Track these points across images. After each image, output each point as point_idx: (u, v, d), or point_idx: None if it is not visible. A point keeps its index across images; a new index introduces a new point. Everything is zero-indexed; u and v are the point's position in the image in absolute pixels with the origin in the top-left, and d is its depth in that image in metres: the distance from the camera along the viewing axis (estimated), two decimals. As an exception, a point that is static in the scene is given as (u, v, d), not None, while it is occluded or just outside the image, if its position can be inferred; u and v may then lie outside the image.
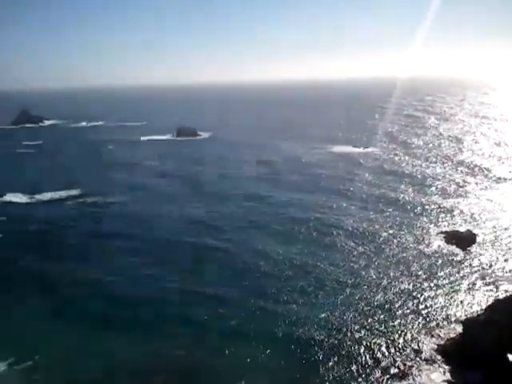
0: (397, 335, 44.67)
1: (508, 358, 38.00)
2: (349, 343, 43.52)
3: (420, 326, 46.36)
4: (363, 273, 58.38)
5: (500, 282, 54.97)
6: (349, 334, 44.97)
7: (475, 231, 70.07)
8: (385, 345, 43.15)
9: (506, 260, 61.11)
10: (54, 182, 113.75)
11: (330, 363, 40.74)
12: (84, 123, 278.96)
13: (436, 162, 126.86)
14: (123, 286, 56.64)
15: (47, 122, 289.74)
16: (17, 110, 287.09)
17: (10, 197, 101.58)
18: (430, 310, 49.37)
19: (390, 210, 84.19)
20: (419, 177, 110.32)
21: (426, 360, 40.83)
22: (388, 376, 39.00)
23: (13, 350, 43.50)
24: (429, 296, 52.23)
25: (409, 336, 44.51)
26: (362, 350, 42.40)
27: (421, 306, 50.09)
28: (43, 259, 65.95)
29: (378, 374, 39.31)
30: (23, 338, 45.91)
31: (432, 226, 75.20)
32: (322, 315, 48.45)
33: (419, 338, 44.08)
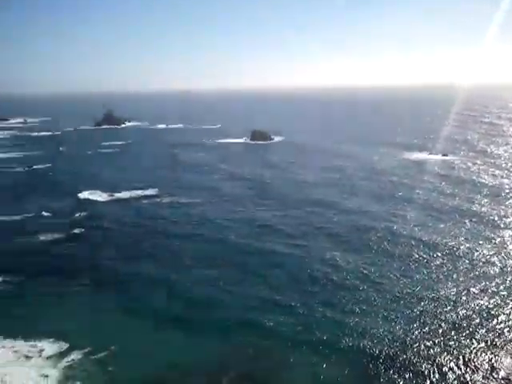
0: (472, 354, 42.56)
1: None
2: (419, 360, 41.93)
3: (499, 344, 43.88)
4: (439, 287, 56.05)
5: None
6: (420, 351, 43.34)
7: (562, 248, 65.62)
8: (458, 363, 41.24)
9: None
10: (132, 182, 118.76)
11: (399, 380, 39.49)
12: (163, 125, 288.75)
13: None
14: (191, 286, 57.64)
15: (128, 124, 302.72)
16: (102, 112, 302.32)
17: (91, 194, 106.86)
18: (510, 328, 46.71)
19: (468, 221, 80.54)
20: (500, 188, 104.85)
21: (502, 379, 38.70)
22: (460, 396, 37.31)
23: (89, 340, 45.63)
24: (510, 313, 49.42)
25: (486, 355, 42.25)
26: (433, 368, 40.73)
27: (501, 325, 47.40)
28: (119, 256, 68.71)
29: (449, 393, 37.71)
30: (99, 329, 48.06)
31: (514, 240, 71.20)
32: (392, 329, 47.02)
33: (497, 357, 41.71)
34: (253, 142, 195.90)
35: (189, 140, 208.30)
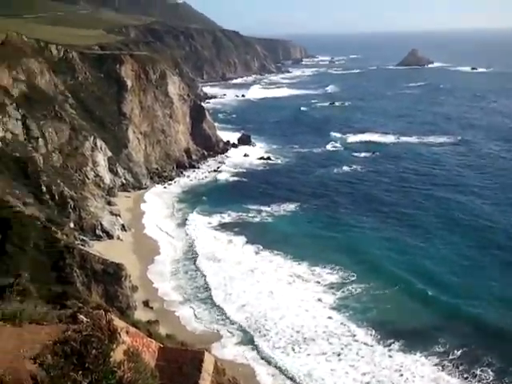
0: None
1: None
2: None
3: None
4: None
5: None
6: None
7: None
8: None
9: None
10: (426, 127, 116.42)
11: None
12: (467, 68, 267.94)
13: None
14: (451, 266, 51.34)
15: (431, 65, 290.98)
16: (405, 51, 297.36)
17: (382, 136, 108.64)
18: None
19: None
20: None
21: None
22: None
23: (371, 275, 48.15)
24: None
25: None
26: None
27: None
28: (392, 199, 70.05)
29: None
30: (382, 265, 50.49)
31: None
32: None
33: None
34: None
35: (497, 87, 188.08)
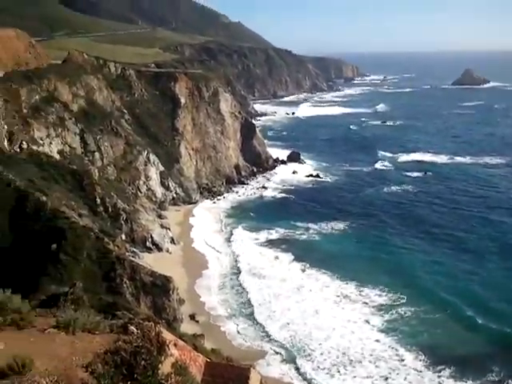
0: None
1: None
2: None
3: None
4: None
5: None
6: None
7: None
8: None
9: None
10: (480, 147, 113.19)
11: None
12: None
13: None
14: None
15: (487, 85, 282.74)
16: (459, 71, 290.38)
17: (434, 156, 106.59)
18: None
19: None
20: None
21: None
22: None
23: (422, 297, 47.22)
24: None
25: None
26: None
27: None
28: (447, 220, 67.96)
29: None
30: (435, 287, 49.37)
31: None
32: None
33: None
34: None
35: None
